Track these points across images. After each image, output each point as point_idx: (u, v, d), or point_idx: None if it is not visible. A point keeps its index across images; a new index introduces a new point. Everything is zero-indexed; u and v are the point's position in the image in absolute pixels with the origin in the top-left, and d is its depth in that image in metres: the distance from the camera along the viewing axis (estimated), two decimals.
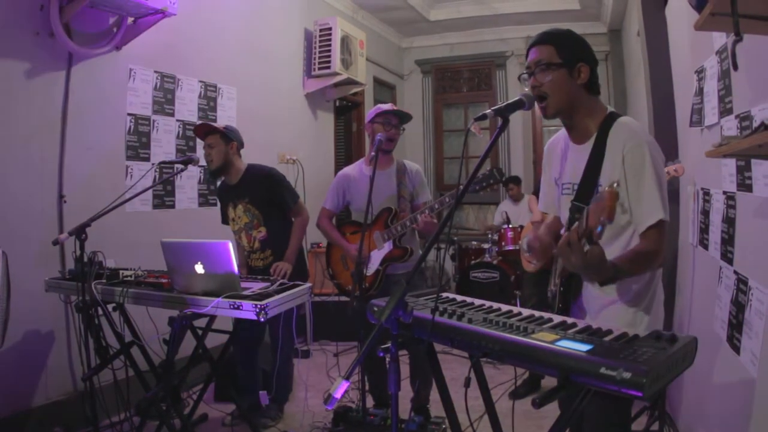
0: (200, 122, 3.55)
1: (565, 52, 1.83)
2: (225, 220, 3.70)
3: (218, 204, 3.78)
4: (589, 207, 1.46)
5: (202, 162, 4.24)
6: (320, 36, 5.59)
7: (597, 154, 1.83)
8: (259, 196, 3.47)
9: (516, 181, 6.72)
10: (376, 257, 3.38)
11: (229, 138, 3.43)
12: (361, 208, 3.35)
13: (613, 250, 1.78)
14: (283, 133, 5.34)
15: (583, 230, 1.49)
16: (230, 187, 3.55)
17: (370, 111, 3.47)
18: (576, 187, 1.87)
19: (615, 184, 1.38)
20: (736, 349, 2.03)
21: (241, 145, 3.53)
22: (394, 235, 3.31)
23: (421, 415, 3.38)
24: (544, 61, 1.83)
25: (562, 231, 1.97)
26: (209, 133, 3.46)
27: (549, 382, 3.98)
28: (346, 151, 7.02)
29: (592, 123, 1.88)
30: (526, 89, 1.88)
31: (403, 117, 3.42)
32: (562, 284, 1.89)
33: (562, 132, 2.05)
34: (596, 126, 1.86)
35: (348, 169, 3.59)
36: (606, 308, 1.86)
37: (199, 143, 4.29)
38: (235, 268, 2.55)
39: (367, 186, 3.09)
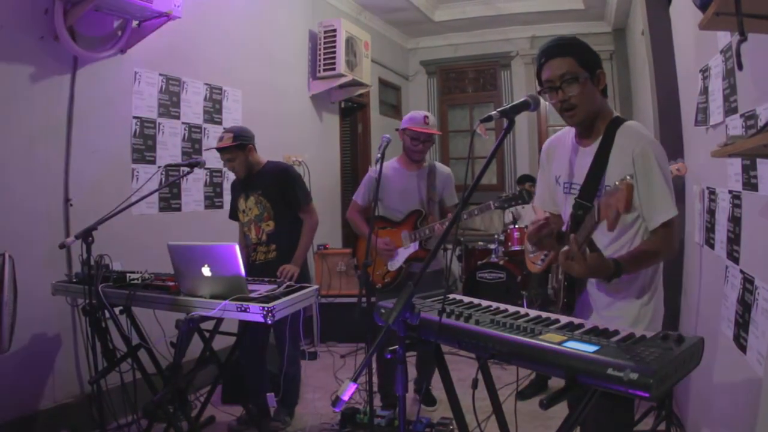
0: (214, 147, 3.56)
1: (586, 62, 1.83)
2: (233, 214, 3.69)
3: (231, 196, 3.74)
4: (600, 201, 1.49)
5: (208, 165, 4.28)
6: (325, 37, 5.60)
7: (602, 156, 1.85)
8: (273, 190, 3.48)
9: (531, 179, 6.73)
10: (402, 255, 3.49)
11: (244, 144, 3.42)
12: (391, 205, 3.52)
13: (619, 245, 1.88)
14: (289, 135, 5.35)
15: (587, 233, 1.57)
16: (246, 178, 3.55)
17: (405, 117, 3.55)
18: (579, 187, 1.90)
19: (629, 177, 1.39)
20: (743, 349, 2.02)
21: (254, 141, 3.52)
22: (420, 237, 3.41)
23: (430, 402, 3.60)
24: (569, 74, 1.81)
25: (564, 228, 1.98)
26: (223, 151, 3.46)
27: (556, 382, 3.97)
28: (352, 152, 7.01)
29: (601, 125, 1.90)
30: (551, 102, 1.88)
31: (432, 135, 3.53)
32: (566, 279, 1.91)
33: (564, 132, 2.08)
34: (603, 128, 1.89)
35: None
36: (613, 304, 1.91)
37: (204, 145, 4.32)
38: (242, 271, 2.56)
39: (400, 184, 3.37)
